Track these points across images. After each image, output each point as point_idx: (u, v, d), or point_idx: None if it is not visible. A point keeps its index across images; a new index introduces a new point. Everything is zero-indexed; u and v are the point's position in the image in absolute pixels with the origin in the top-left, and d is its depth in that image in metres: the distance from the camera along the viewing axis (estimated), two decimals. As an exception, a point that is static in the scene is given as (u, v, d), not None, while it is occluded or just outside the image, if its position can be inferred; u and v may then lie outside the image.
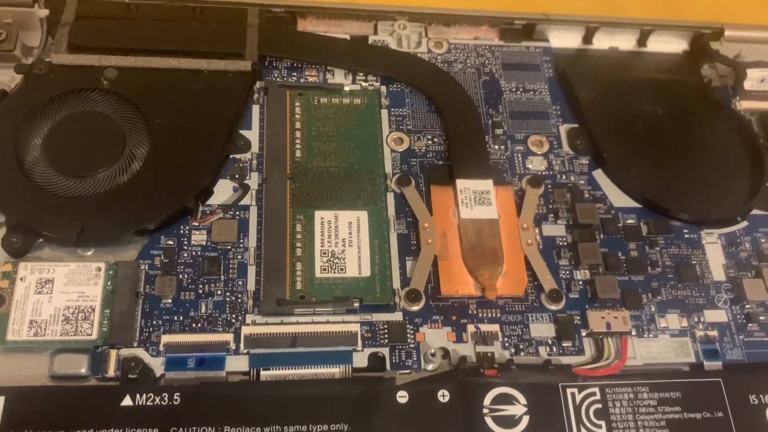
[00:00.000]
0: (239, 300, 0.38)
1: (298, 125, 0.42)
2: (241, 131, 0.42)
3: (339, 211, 0.40)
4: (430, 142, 0.44)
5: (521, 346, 0.38)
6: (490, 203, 0.41)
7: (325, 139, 0.42)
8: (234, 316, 0.37)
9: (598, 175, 0.45)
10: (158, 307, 0.37)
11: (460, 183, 0.42)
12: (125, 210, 0.38)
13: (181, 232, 0.39)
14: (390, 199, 0.42)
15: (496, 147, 0.45)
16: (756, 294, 0.41)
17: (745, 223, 0.44)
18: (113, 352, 0.35)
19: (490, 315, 0.39)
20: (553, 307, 0.40)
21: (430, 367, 0.37)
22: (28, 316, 0.35)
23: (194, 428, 0.33)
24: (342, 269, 0.38)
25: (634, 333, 0.39)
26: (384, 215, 0.40)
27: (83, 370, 0.35)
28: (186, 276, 0.38)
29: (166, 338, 0.36)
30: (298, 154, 0.41)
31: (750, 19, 0.52)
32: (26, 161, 0.39)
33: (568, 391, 0.36)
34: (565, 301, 0.40)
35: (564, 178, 0.44)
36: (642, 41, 0.51)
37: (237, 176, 0.41)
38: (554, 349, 0.39)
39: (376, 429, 0.34)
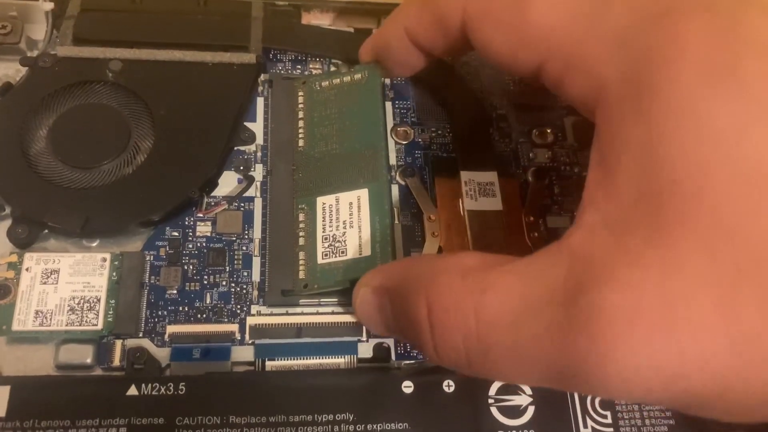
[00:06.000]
0: (244, 291, 0.38)
1: (300, 114, 0.42)
2: (245, 123, 0.42)
3: (340, 193, 0.39)
4: (434, 134, 0.44)
5: (526, 337, 0.38)
6: (495, 195, 0.41)
7: (327, 123, 0.41)
8: (239, 306, 0.37)
9: (603, 167, 0.45)
10: (163, 297, 0.37)
11: (465, 175, 0.42)
12: (130, 201, 0.38)
13: (186, 223, 0.39)
14: (395, 190, 0.41)
15: (501, 139, 0.45)
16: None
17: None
18: (118, 343, 0.35)
19: (495, 306, 0.39)
20: (558, 298, 0.40)
21: (435, 357, 0.37)
22: (33, 306, 0.35)
23: (200, 418, 0.33)
24: (343, 252, 0.37)
25: (639, 324, 0.39)
26: (386, 189, 0.39)
27: (89, 360, 0.35)
28: (191, 267, 0.38)
29: (171, 329, 0.36)
30: (300, 143, 0.41)
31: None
32: (31, 153, 0.39)
33: (574, 381, 0.36)
34: (570, 292, 0.40)
35: (569, 170, 0.44)
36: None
37: (242, 168, 0.41)
38: (559, 340, 0.38)
39: (382, 419, 0.34)
